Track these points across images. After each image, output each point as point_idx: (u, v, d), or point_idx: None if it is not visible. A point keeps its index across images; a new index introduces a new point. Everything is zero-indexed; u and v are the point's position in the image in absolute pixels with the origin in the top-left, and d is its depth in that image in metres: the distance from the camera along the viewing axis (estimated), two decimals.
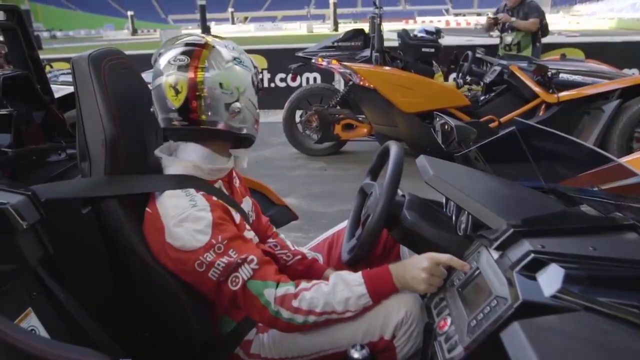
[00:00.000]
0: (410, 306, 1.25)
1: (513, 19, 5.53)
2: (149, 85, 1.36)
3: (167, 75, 1.26)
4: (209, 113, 1.28)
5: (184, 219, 1.22)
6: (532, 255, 0.95)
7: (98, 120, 1.30)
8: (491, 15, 5.86)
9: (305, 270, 1.59)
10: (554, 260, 0.93)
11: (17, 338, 0.87)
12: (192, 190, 1.27)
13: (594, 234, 1.07)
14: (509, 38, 5.67)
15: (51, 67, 5.91)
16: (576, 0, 60.80)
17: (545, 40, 5.96)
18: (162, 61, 1.28)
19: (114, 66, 1.37)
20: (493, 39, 6.47)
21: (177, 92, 1.25)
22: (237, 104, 1.30)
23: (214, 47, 1.28)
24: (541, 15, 5.62)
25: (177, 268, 1.26)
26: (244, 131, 1.35)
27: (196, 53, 1.27)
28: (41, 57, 2.15)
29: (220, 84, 1.27)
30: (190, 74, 1.25)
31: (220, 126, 1.30)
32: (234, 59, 1.30)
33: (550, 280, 0.89)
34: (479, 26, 6.26)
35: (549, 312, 0.83)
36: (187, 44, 1.28)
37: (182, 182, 1.29)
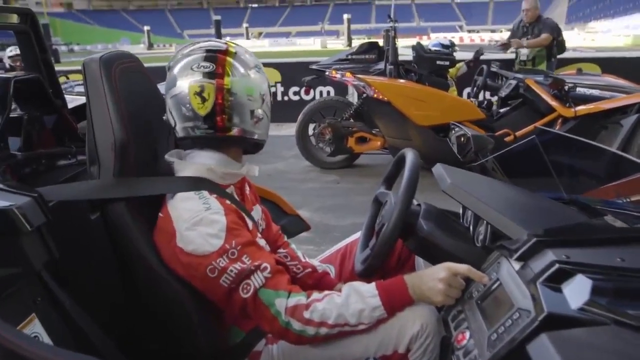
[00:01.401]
0: (426, 318, 1.20)
1: (524, 42, 5.63)
2: (162, 94, 1.35)
3: (190, 82, 1.23)
4: (236, 120, 1.26)
5: (197, 222, 1.18)
6: (557, 265, 0.90)
7: (108, 124, 1.28)
8: (505, 39, 5.93)
9: (315, 284, 1.55)
10: (580, 271, 0.88)
11: (19, 344, 0.84)
12: (205, 193, 1.24)
13: (621, 244, 1.01)
14: (524, 53, 5.73)
15: (67, 78, 5.98)
16: (591, 17, 60.73)
17: (560, 55, 5.94)
18: (180, 69, 1.26)
19: (126, 69, 1.35)
20: (507, 54, 6.46)
21: (204, 100, 1.23)
22: (260, 111, 1.29)
23: (236, 53, 1.27)
24: (555, 32, 5.67)
25: (187, 273, 1.22)
26: (262, 137, 1.35)
27: (220, 59, 1.25)
28: (58, 68, 2.16)
29: (247, 91, 1.26)
30: (218, 81, 1.23)
31: (244, 133, 1.29)
32: (255, 65, 1.29)
33: (577, 292, 0.84)
34: (493, 42, 6.28)
35: (576, 325, 0.79)
36: (208, 50, 1.26)
37: (195, 184, 1.26)
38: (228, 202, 1.26)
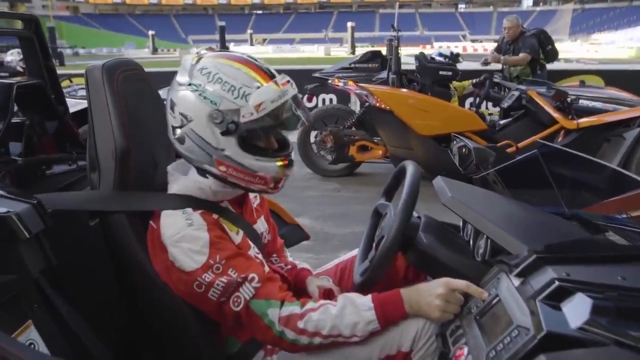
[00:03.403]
0: None
1: (502, 58, 5.79)
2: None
3: None
4: (169, 132, 1.28)
5: (180, 239, 1.19)
6: (557, 283, 0.89)
7: (109, 131, 1.28)
8: (490, 52, 6.16)
9: (294, 280, 1.55)
10: (580, 290, 0.87)
11: (12, 352, 0.83)
12: (189, 209, 1.23)
13: (622, 262, 1.01)
14: (507, 70, 5.92)
15: (71, 81, 6.00)
16: (595, 28, 60.87)
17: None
18: None
19: (128, 77, 1.35)
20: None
21: None
22: (180, 131, 1.24)
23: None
24: (533, 52, 5.75)
25: (177, 289, 1.23)
26: (196, 164, 1.27)
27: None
28: (62, 72, 2.16)
29: (170, 104, 1.24)
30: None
31: (175, 148, 1.28)
32: (190, 84, 1.21)
33: (577, 310, 0.83)
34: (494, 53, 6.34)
35: (575, 345, 0.78)
36: None
37: (183, 202, 1.26)
38: (215, 216, 1.26)
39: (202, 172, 1.29)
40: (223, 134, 1.20)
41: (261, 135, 1.27)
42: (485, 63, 5.93)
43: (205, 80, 1.20)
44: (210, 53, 1.27)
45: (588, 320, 0.80)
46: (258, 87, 1.20)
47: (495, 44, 6.67)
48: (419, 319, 1.19)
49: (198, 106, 1.19)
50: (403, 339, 1.20)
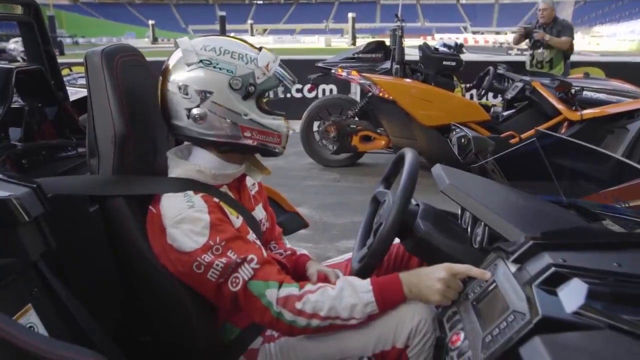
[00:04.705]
0: (424, 315, 1.20)
1: (547, 36, 5.56)
2: None
3: None
4: (174, 118, 1.27)
5: (180, 220, 1.19)
6: (553, 268, 0.90)
7: (108, 116, 1.28)
8: (522, 25, 5.94)
9: (293, 266, 1.56)
10: (576, 275, 0.88)
11: (12, 333, 0.84)
12: (190, 192, 1.24)
13: (618, 249, 1.01)
14: (541, 54, 5.72)
15: (71, 70, 5.98)
16: (596, 21, 60.60)
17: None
18: None
19: (127, 62, 1.35)
20: (513, 57, 6.45)
21: (158, 99, 1.29)
22: (198, 110, 1.24)
23: (179, 49, 1.26)
24: (572, 34, 5.69)
25: (176, 270, 1.23)
26: (220, 139, 1.28)
27: (169, 58, 1.28)
28: (62, 61, 2.16)
29: (179, 88, 1.24)
30: (162, 78, 1.27)
31: (188, 132, 1.28)
32: (200, 61, 1.23)
33: (573, 295, 0.84)
34: (498, 44, 6.23)
35: (570, 329, 0.78)
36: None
37: (184, 185, 1.27)
38: (215, 199, 1.27)
39: (220, 147, 1.31)
40: (244, 98, 1.26)
41: (269, 96, 1.36)
42: (531, 36, 5.83)
43: (214, 54, 1.24)
44: (196, 38, 1.30)
45: (583, 305, 0.81)
46: (257, 53, 1.29)
47: (499, 35, 6.62)
48: (414, 316, 1.20)
49: (216, 77, 1.24)
50: (397, 335, 1.21)
